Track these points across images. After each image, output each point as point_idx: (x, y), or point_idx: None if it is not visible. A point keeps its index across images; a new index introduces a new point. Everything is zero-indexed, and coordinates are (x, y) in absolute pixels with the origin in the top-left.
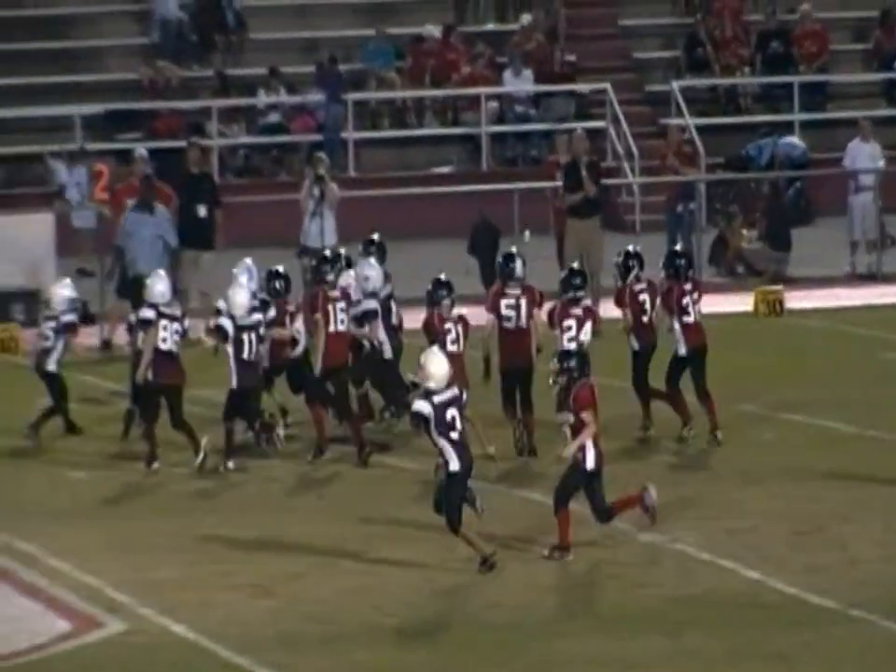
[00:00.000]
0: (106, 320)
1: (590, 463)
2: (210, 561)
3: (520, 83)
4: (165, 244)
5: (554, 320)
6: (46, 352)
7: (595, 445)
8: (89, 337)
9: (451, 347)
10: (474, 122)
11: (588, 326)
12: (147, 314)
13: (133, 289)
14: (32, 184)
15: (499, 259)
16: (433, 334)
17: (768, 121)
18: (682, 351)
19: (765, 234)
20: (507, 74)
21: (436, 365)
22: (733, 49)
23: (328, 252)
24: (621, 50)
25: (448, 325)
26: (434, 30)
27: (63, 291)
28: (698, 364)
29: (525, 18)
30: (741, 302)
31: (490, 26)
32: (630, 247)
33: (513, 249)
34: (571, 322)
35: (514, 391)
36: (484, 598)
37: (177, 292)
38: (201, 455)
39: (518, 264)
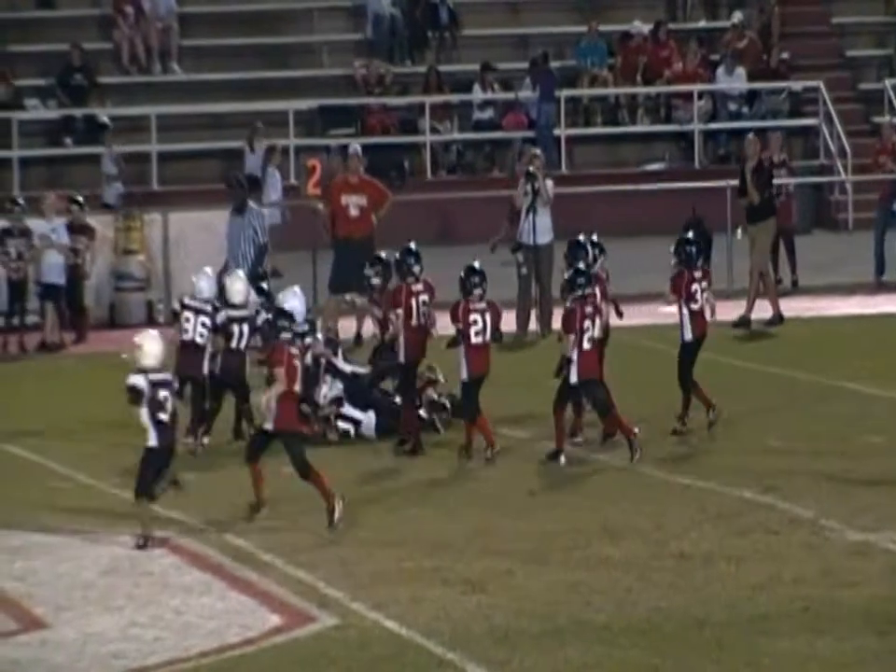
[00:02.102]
0: (319, 315)
1: (269, 424)
2: (421, 556)
3: (732, 81)
4: (255, 241)
5: (572, 324)
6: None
7: (280, 406)
8: None
9: (475, 339)
10: (686, 119)
11: (598, 322)
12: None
13: (345, 283)
14: None
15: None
16: (457, 323)
17: None
18: (688, 336)
19: None
20: (720, 71)
21: (151, 345)
22: None
23: (412, 244)
24: (833, 48)
25: (474, 316)
26: (642, 27)
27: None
28: (698, 350)
29: (737, 15)
30: None
31: (701, 23)
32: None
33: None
34: (588, 323)
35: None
36: (696, 595)
37: None
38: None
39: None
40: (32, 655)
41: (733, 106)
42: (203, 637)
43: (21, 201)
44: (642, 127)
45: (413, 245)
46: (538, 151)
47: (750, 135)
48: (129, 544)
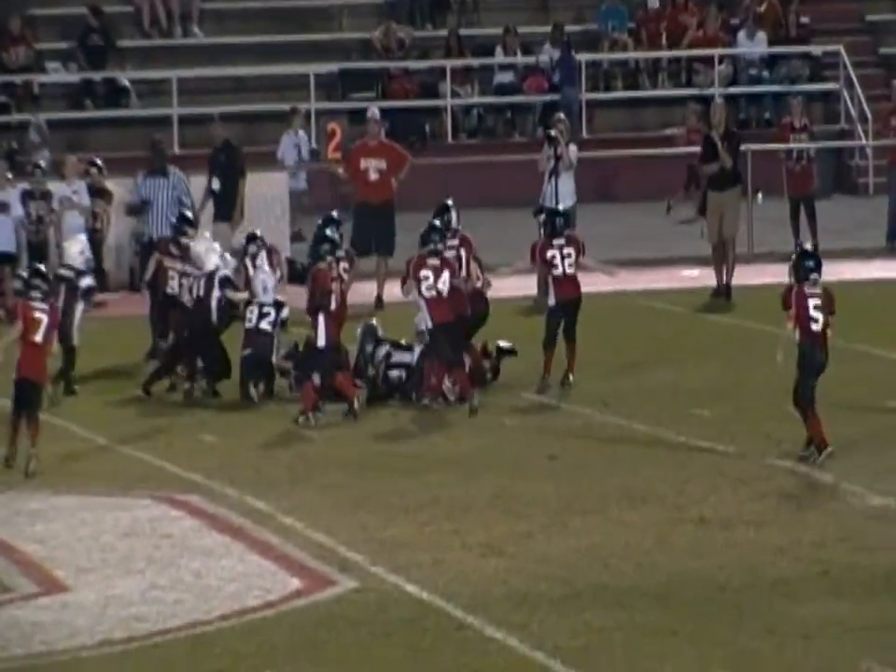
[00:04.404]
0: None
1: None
2: (441, 520)
3: (753, 45)
4: (182, 203)
5: (410, 271)
6: None
7: (24, 357)
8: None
9: (333, 306)
10: (707, 84)
11: (446, 275)
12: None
13: (365, 247)
14: (267, 142)
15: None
16: (322, 289)
17: None
18: (552, 302)
19: None
20: (740, 35)
21: None
22: None
23: (334, 213)
24: (854, 13)
25: (333, 285)
26: None
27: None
28: (570, 313)
29: None
30: None
31: None
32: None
33: (449, 201)
34: (428, 272)
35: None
36: (715, 559)
37: None
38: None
39: (453, 215)
40: (53, 618)
41: (753, 71)
42: (223, 600)
43: (42, 164)
44: (663, 91)
45: (335, 214)
46: (561, 115)
47: (718, 100)
48: (149, 507)
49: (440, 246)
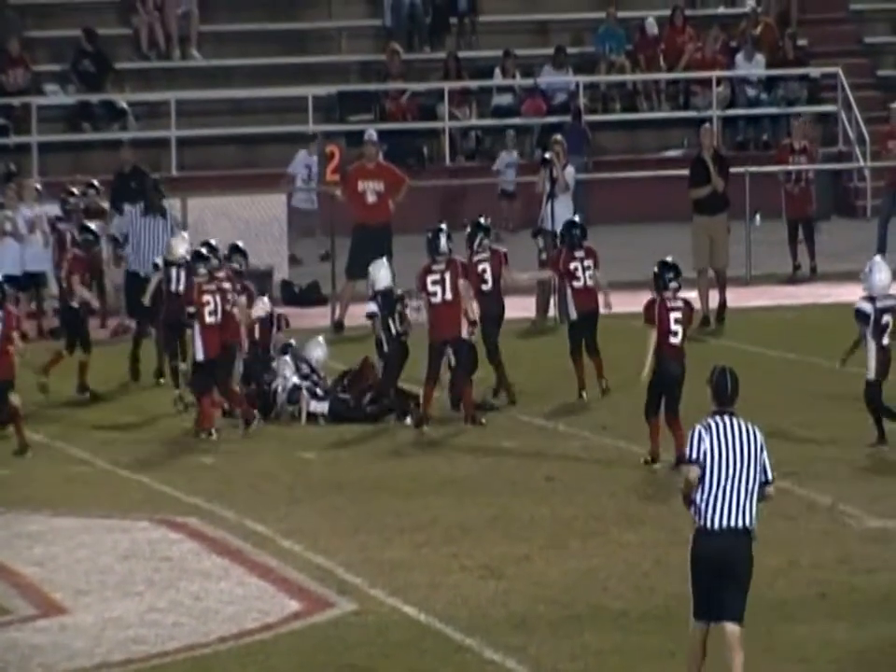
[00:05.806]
0: (337, 301)
1: None
2: (439, 542)
3: (751, 67)
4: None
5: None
6: None
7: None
8: (320, 318)
9: (209, 319)
10: (705, 106)
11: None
12: None
13: (361, 270)
14: (265, 164)
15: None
16: (189, 304)
17: None
18: (573, 316)
19: None
20: (739, 57)
21: None
22: None
23: (239, 243)
24: (852, 35)
25: (206, 297)
26: (654, 24)
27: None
28: (590, 325)
29: (749, 3)
30: None
31: (720, 10)
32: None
33: (442, 225)
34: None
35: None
36: None
37: None
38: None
39: (443, 240)
40: (51, 640)
41: (751, 93)
42: (221, 623)
43: (38, 186)
44: (661, 113)
45: (240, 244)
46: (558, 137)
47: (706, 125)
48: (148, 530)
49: (235, 266)
